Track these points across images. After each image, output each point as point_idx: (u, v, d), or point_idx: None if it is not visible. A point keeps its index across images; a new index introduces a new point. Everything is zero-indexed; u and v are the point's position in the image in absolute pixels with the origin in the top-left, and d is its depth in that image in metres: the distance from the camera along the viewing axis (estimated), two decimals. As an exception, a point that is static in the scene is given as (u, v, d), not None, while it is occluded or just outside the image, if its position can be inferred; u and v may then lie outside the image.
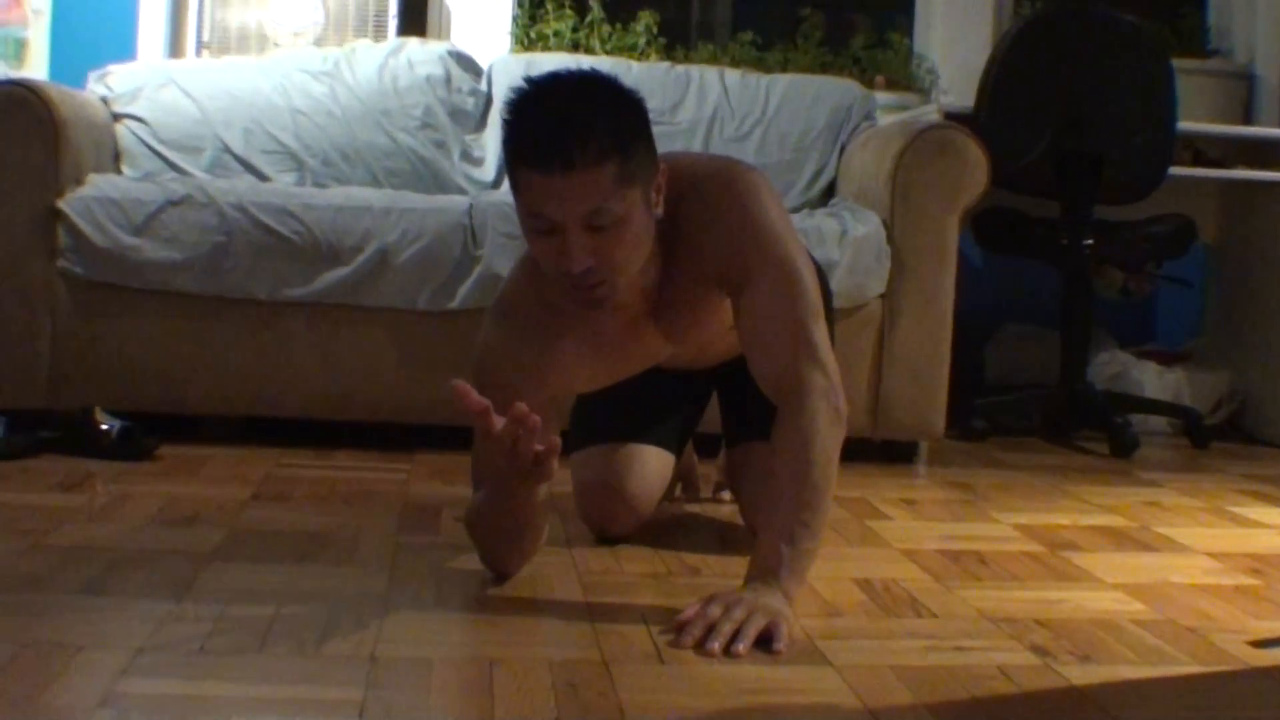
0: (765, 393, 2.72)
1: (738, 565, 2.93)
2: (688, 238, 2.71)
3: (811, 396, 2.63)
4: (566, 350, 2.78)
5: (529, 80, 2.55)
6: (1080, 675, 2.31)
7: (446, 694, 2.10)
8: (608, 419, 3.17)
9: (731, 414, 3.32)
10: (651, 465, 3.16)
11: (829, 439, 2.62)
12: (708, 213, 2.71)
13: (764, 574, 2.51)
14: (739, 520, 3.28)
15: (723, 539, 3.25)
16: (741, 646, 2.33)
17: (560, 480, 3.64)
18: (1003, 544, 3.31)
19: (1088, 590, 2.91)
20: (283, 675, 2.14)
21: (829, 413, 2.63)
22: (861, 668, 2.29)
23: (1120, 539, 3.43)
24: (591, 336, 2.79)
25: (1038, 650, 2.43)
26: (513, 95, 2.54)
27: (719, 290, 2.80)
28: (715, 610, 2.41)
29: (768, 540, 2.56)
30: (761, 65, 5.73)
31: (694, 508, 3.58)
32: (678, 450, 3.28)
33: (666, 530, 3.27)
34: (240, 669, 2.16)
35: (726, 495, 3.60)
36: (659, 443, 3.20)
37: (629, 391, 3.16)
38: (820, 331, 2.70)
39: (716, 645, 2.32)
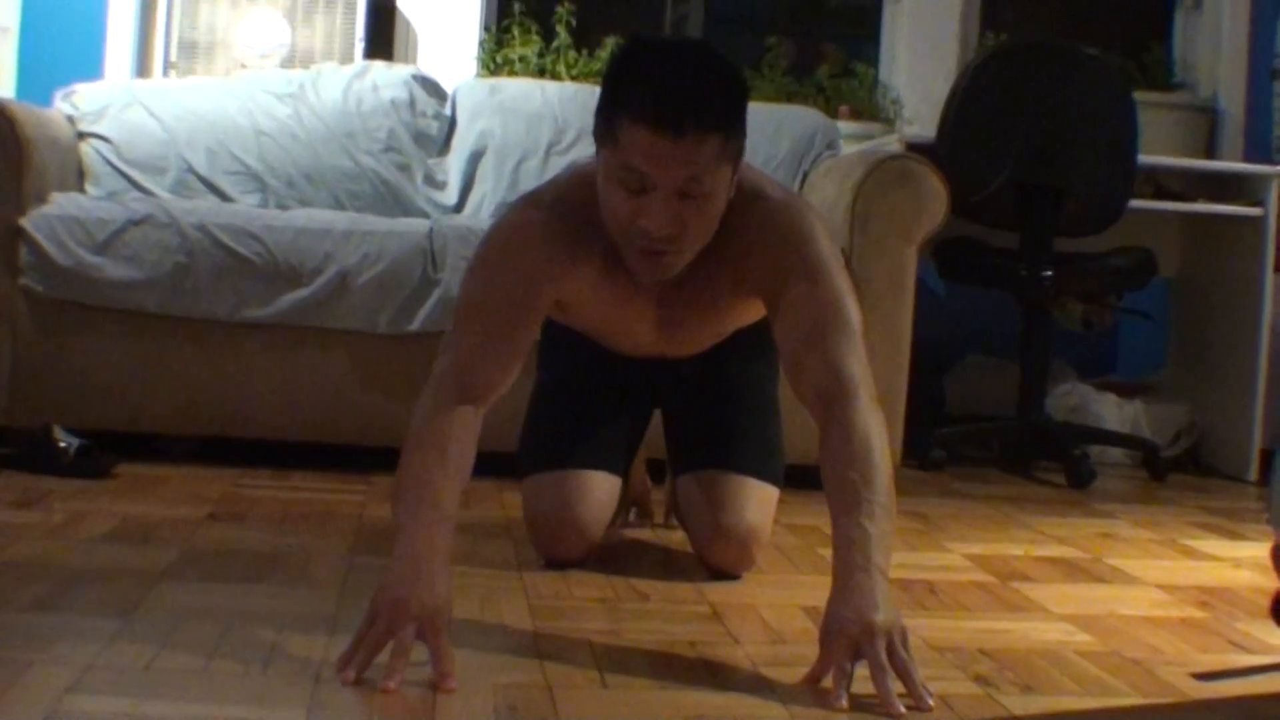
0: (805, 398, 2.67)
1: (687, 591, 2.96)
2: (737, 245, 2.76)
3: (863, 395, 2.59)
4: (584, 273, 2.81)
5: (640, 38, 2.64)
6: (1020, 705, 2.31)
7: (389, 715, 2.10)
8: (555, 444, 3.18)
9: (677, 442, 3.32)
10: (600, 491, 3.16)
11: (884, 438, 2.56)
12: (765, 230, 2.76)
13: (857, 555, 2.39)
14: (689, 548, 3.28)
15: (673, 565, 3.25)
16: (930, 701, 2.25)
17: (511, 504, 3.68)
18: (954, 574, 3.33)
19: (1035, 621, 2.92)
20: (227, 695, 2.14)
21: (879, 414, 2.59)
22: (804, 694, 2.30)
23: (1071, 570, 3.45)
24: (607, 276, 2.81)
25: (980, 680, 2.44)
26: (626, 48, 2.63)
27: (743, 301, 2.88)
28: (848, 664, 2.29)
29: (849, 522, 2.43)
30: (727, 93, 5.74)
31: (646, 533, 3.59)
32: (624, 472, 3.29)
33: (617, 555, 3.28)
34: (186, 688, 2.16)
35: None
36: (606, 467, 3.19)
37: (575, 412, 3.20)
38: (862, 347, 2.68)
39: (901, 708, 2.22)
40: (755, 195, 2.78)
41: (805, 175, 5.05)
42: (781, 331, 2.74)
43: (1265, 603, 2.83)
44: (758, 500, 3.15)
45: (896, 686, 2.25)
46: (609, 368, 3.24)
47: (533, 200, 2.85)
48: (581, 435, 3.19)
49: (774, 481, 3.22)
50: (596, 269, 2.81)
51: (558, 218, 2.77)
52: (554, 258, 2.77)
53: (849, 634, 2.31)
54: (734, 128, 2.57)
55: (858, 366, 2.63)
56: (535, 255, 2.75)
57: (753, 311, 2.99)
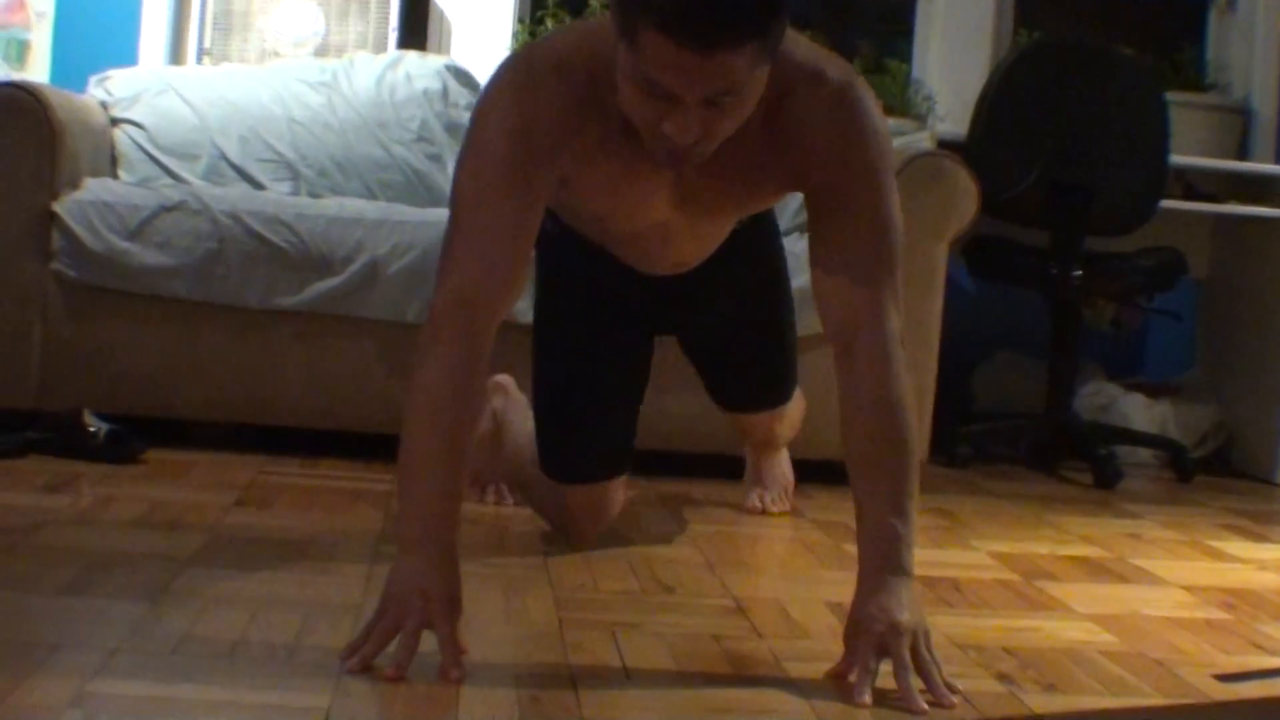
0: (826, 324, 2.53)
1: (712, 585, 2.97)
2: (792, 128, 2.49)
3: (892, 342, 2.46)
4: (591, 145, 2.51)
5: None
6: (1043, 704, 2.32)
7: (412, 703, 2.11)
8: (571, 455, 3.24)
9: (713, 389, 3.61)
10: (618, 493, 3.28)
11: (910, 394, 2.48)
12: (820, 116, 2.49)
13: (885, 556, 2.37)
14: (717, 541, 3.29)
15: (699, 558, 3.26)
16: (954, 698, 2.27)
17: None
18: (979, 572, 3.33)
19: (1059, 620, 2.92)
20: (252, 680, 2.16)
21: (905, 363, 2.48)
22: (827, 690, 2.30)
23: (1096, 570, 3.45)
24: (617, 144, 2.50)
25: (1003, 678, 2.45)
26: None
27: (778, 183, 2.66)
28: (873, 662, 2.29)
29: (877, 516, 2.40)
30: (759, 87, 5.74)
31: (673, 525, 3.60)
32: (630, 463, 3.36)
33: (643, 548, 3.30)
34: (211, 673, 2.17)
35: (756, 503, 3.83)
36: (622, 469, 3.29)
37: (584, 407, 3.25)
38: (902, 280, 2.51)
39: (924, 705, 2.23)
40: (814, 77, 2.49)
41: (836, 171, 5.04)
42: (819, 243, 2.54)
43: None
44: (788, 418, 3.71)
45: (918, 684, 2.26)
46: (613, 312, 3.23)
47: (528, 59, 2.54)
48: (596, 440, 3.25)
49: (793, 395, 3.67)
50: (607, 137, 2.51)
51: (563, 82, 2.46)
52: (556, 135, 2.47)
53: (875, 633, 2.30)
54: (770, 30, 2.21)
55: (893, 306, 2.47)
56: (534, 138, 2.46)
57: (777, 192, 2.83)
